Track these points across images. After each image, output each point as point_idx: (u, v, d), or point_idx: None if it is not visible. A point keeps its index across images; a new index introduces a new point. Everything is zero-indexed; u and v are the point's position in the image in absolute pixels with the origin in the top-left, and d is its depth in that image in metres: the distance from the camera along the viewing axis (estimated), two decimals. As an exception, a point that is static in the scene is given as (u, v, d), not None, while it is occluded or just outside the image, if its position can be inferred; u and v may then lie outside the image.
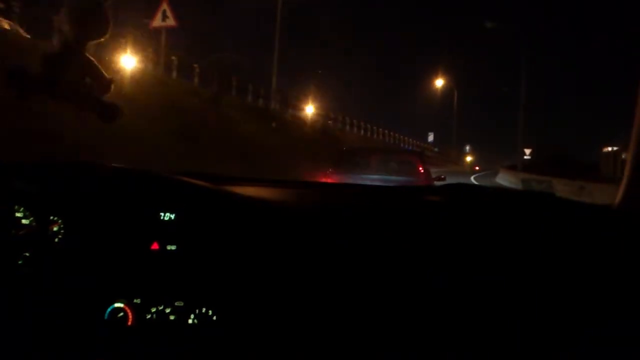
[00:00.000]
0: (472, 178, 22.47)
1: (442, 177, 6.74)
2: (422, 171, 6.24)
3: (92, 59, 0.90)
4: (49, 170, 1.26)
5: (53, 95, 0.89)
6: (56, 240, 1.17)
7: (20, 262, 1.15)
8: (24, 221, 1.18)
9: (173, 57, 15.23)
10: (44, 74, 0.87)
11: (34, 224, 1.18)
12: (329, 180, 5.76)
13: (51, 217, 1.18)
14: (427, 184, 5.75)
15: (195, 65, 16.53)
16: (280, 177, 1.54)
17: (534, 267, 1.12)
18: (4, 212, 1.18)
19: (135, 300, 1.11)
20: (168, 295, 1.12)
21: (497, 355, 1.08)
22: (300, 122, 20.80)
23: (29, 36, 10.20)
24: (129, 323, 1.09)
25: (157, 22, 11.79)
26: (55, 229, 1.17)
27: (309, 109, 21.67)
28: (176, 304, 1.11)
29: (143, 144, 6.94)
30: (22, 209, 1.19)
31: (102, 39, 0.92)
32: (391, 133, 33.80)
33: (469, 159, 44.03)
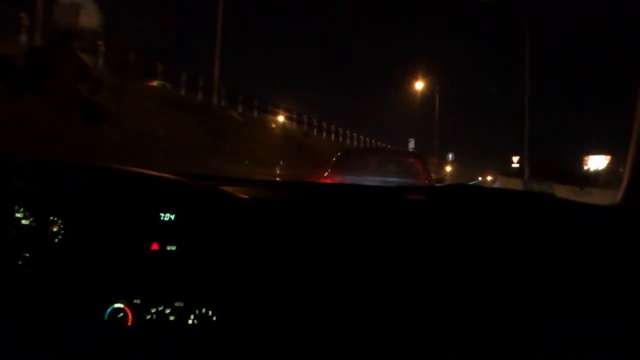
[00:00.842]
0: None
1: (442, 179, 6.65)
2: (423, 173, 6.17)
3: (82, 59, 0.90)
4: (48, 170, 1.26)
5: (42, 93, 0.89)
6: (56, 240, 1.17)
7: (20, 262, 1.15)
8: (24, 221, 1.18)
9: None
10: (33, 71, 0.87)
11: (34, 224, 1.18)
12: (327, 182, 5.70)
13: (51, 218, 1.18)
14: (427, 186, 5.71)
15: (100, 43, 12.61)
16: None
17: (534, 267, 1.12)
18: (4, 212, 1.18)
19: (135, 301, 1.11)
20: (168, 296, 1.12)
21: (497, 355, 1.08)
22: (254, 122, 17.88)
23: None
24: (129, 323, 1.09)
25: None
26: (55, 229, 1.17)
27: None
28: (176, 304, 1.11)
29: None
30: (22, 209, 1.19)
31: (91, 37, 0.92)
32: (368, 139, 30.19)
33: (448, 169, 39.48)
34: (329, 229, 1.20)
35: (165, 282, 1.14)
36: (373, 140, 29.74)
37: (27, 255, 1.16)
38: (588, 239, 1.16)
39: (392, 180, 5.67)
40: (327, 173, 6.12)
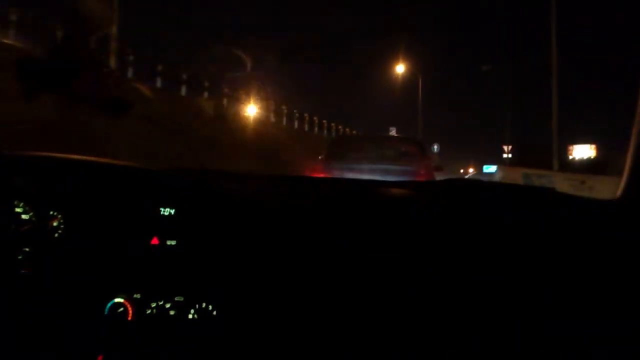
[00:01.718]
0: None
1: (441, 167, 6.48)
2: (422, 160, 6.00)
3: (96, 54, 0.89)
4: (48, 165, 1.26)
5: (60, 91, 0.88)
6: (56, 235, 1.17)
7: (20, 258, 1.15)
8: (23, 216, 1.18)
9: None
10: (50, 68, 0.86)
11: (33, 219, 1.18)
12: (320, 169, 5.48)
13: (51, 213, 1.18)
14: (426, 175, 5.58)
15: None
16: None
17: (535, 263, 1.12)
18: (4, 207, 1.18)
19: (135, 295, 1.11)
20: (168, 291, 1.12)
21: (497, 354, 1.08)
22: (178, 102, 12.68)
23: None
24: (129, 318, 1.10)
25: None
26: (55, 224, 1.17)
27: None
28: (176, 299, 1.12)
29: None
30: (21, 204, 1.19)
31: (105, 32, 0.91)
32: (344, 129, 25.89)
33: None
34: (328, 224, 1.20)
35: (165, 276, 1.15)
36: (348, 129, 25.63)
37: (27, 250, 1.16)
38: (589, 234, 1.15)
39: (390, 167, 5.41)
40: (321, 159, 5.91)
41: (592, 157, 27.80)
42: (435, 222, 1.20)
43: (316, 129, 22.49)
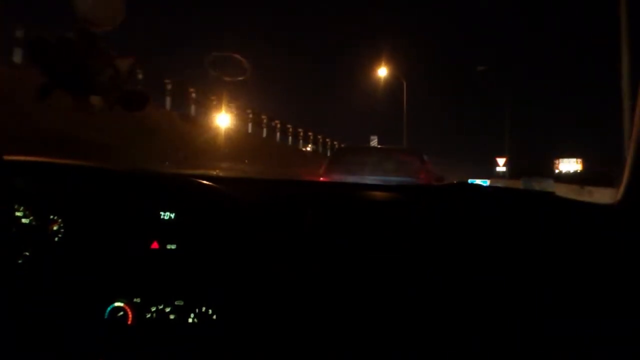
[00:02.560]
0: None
1: (442, 177, 6.57)
2: (423, 171, 6.08)
3: (108, 47, 0.88)
4: (49, 169, 1.26)
5: (75, 90, 0.87)
6: (56, 239, 1.17)
7: (20, 262, 1.15)
8: (24, 220, 1.18)
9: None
10: (62, 67, 0.85)
11: (34, 223, 1.18)
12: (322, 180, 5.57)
13: (51, 217, 1.18)
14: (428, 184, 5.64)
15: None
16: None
17: (534, 267, 1.12)
18: (4, 211, 1.18)
19: (135, 300, 1.11)
20: (168, 295, 1.12)
21: (497, 355, 1.08)
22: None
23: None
24: (129, 322, 1.09)
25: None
26: (55, 228, 1.17)
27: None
28: (176, 303, 1.12)
29: None
30: (22, 208, 1.19)
31: (116, 26, 0.90)
32: (320, 137, 23.59)
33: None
34: (329, 228, 1.20)
35: (165, 280, 1.14)
36: (329, 140, 23.24)
37: (27, 254, 1.16)
38: (588, 239, 1.16)
39: (392, 179, 5.53)
40: (322, 173, 5.99)
41: (577, 172, 28.24)
42: (435, 224, 1.21)
43: (290, 138, 20.85)
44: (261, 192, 1.35)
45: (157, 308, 1.11)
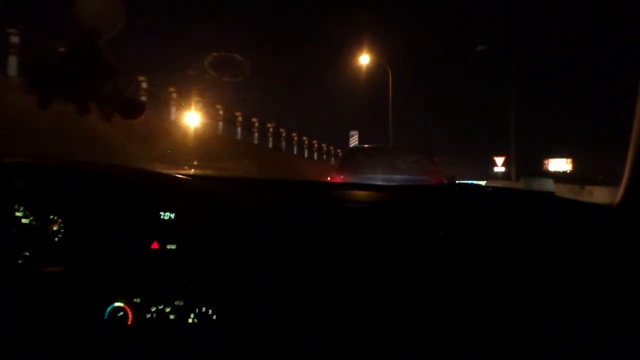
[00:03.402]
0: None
1: (453, 176, 6.57)
2: (433, 170, 6.08)
3: (109, 55, 0.89)
4: (48, 169, 1.26)
5: (76, 97, 0.88)
6: (56, 239, 1.17)
7: (20, 262, 1.15)
8: (23, 220, 1.18)
9: None
10: (64, 75, 0.86)
11: (34, 223, 1.18)
12: (334, 181, 5.60)
13: (51, 217, 1.18)
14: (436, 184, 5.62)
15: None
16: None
17: (534, 267, 1.12)
18: (4, 211, 1.18)
19: (135, 300, 1.11)
20: (168, 295, 1.12)
21: (497, 355, 1.08)
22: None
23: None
24: (129, 322, 1.09)
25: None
26: (55, 228, 1.18)
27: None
28: (176, 303, 1.12)
29: None
30: (22, 208, 1.19)
31: (116, 32, 0.90)
32: (295, 135, 19.61)
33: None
34: (330, 228, 1.20)
35: (165, 281, 1.14)
36: (305, 138, 20.03)
37: (27, 254, 1.16)
38: (588, 239, 1.16)
39: (402, 178, 5.56)
40: (333, 172, 6.04)
41: (567, 172, 27.26)
42: (436, 225, 1.21)
43: (257, 134, 17.06)
44: (262, 192, 1.35)
45: (157, 308, 1.11)
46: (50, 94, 0.85)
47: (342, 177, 5.81)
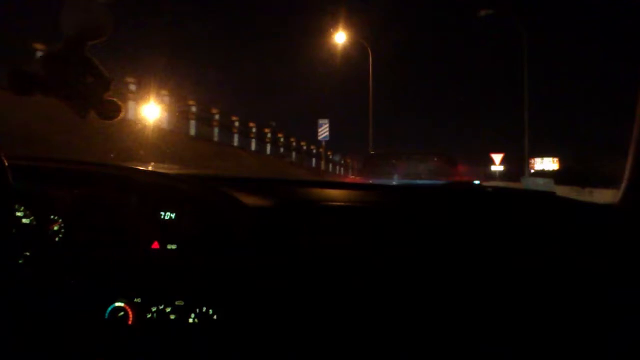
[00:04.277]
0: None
1: (477, 181, 6.63)
2: (454, 174, 6.14)
3: (92, 57, 0.89)
4: (49, 169, 1.26)
5: (54, 95, 0.88)
6: (56, 239, 1.17)
7: (20, 262, 1.15)
8: (24, 220, 1.18)
9: None
10: (44, 74, 0.86)
11: (34, 223, 1.18)
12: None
13: (51, 217, 1.18)
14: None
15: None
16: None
17: (535, 267, 1.12)
18: (4, 211, 1.18)
19: (135, 300, 1.11)
20: (168, 295, 1.12)
21: (497, 355, 1.08)
22: None
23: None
24: (130, 322, 1.09)
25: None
26: (55, 228, 1.17)
27: None
28: (176, 303, 1.12)
29: None
30: (22, 208, 1.19)
31: (103, 39, 0.91)
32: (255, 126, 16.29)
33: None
34: (331, 228, 1.20)
35: (166, 281, 1.14)
36: (267, 130, 16.83)
37: (28, 254, 1.16)
38: (588, 238, 1.16)
39: (423, 182, 5.63)
40: (355, 177, 6.11)
41: (554, 171, 26.41)
42: (436, 225, 1.21)
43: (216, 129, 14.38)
44: (262, 192, 1.35)
45: (158, 308, 1.11)
46: (29, 88, 0.85)
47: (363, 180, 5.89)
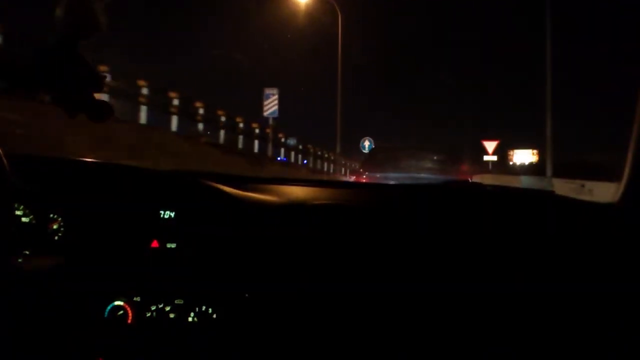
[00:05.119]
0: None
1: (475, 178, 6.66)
2: (456, 169, 6.17)
3: (83, 56, 0.88)
4: (48, 167, 1.26)
5: (44, 94, 0.88)
6: (56, 238, 1.17)
7: (20, 261, 1.15)
8: (23, 219, 1.18)
9: None
10: (34, 72, 0.85)
11: (33, 221, 1.18)
12: (359, 180, 5.68)
13: (51, 215, 1.18)
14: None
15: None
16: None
17: (535, 266, 1.12)
18: (4, 211, 1.18)
19: (135, 298, 1.11)
20: (168, 294, 1.12)
21: (497, 355, 1.08)
22: None
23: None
24: (129, 321, 1.10)
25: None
26: (55, 226, 1.18)
27: None
28: (176, 302, 1.12)
29: None
30: (21, 206, 1.19)
31: (94, 38, 0.90)
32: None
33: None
34: (330, 227, 1.20)
35: (165, 280, 1.15)
36: (174, 96, 11.61)
37: (27, 253, 1.16)
38: (588, 237, 1.16)
39: (425, 177, 5.67)
40: (358, 170, 6.15)
41: (533, 163, 25.38)
42: (435, 224, 1.21)
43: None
44: (265, 190, 1.35)
45: (157, 307, 1.11)
46: (18, 85, 0.84)
47: (366, 174, 5.93)
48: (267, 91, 13.03)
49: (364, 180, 5.83)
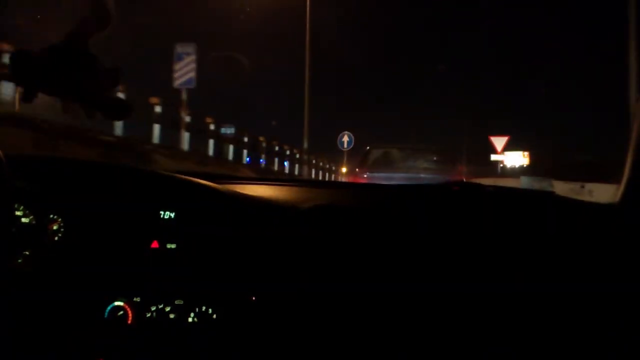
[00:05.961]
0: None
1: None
2: (454, 169, 6.16)
3: (94, 53, 0.87)
4: (48, 167, 1.26)
5: (58, 94, 0.87)
6: (56, 238, 1.17)
7: (20, 261, 1.15)
8: (23, 220, 1.18)
9: None
10: (47, 70, 0.84)
11: (33, 222, 1.18)
12: (356, 179, 5.67)
13: (51, 216, 1.18)
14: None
15: None
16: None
17: (535, 267, 1.12)
18: (4, 211, 1.18)
19: (135, 299, 1.11)
20: (168, 294, 1.12)
21: (497, 355, 1.08)
22: None
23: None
24: (129, 321, 1.09)
25: None
26: (55, 227, 1.17)
27: None
28: (176, 302, 1.12)
29: None
30: (21, 207, 1.19)
31: (104, 33, 0.89)
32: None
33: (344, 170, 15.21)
34: (330, 228, 1.20)
35: (165, 280, 1.14)
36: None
37: (27, 253, 1.16)
38: (588, 238, 1.16)
39: (423, 176, 5.67)
40: (357, 170, 6.13)
41: (524, 165, 24.84)
42: (435, 224, 1.21)
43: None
44: (265, 191, 1.35)
45: (157, 307, 1.11)
46: (35, 88, 0.83)
47: (362, 176, 5.91)
48: (179, 49, 9.38)
49: (363, 181, 5.82)
